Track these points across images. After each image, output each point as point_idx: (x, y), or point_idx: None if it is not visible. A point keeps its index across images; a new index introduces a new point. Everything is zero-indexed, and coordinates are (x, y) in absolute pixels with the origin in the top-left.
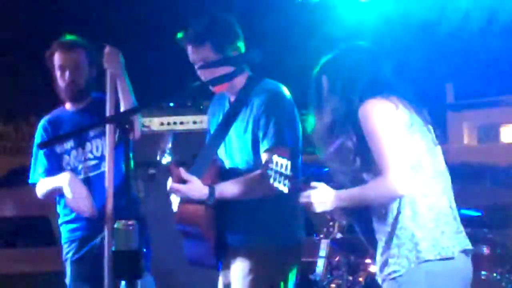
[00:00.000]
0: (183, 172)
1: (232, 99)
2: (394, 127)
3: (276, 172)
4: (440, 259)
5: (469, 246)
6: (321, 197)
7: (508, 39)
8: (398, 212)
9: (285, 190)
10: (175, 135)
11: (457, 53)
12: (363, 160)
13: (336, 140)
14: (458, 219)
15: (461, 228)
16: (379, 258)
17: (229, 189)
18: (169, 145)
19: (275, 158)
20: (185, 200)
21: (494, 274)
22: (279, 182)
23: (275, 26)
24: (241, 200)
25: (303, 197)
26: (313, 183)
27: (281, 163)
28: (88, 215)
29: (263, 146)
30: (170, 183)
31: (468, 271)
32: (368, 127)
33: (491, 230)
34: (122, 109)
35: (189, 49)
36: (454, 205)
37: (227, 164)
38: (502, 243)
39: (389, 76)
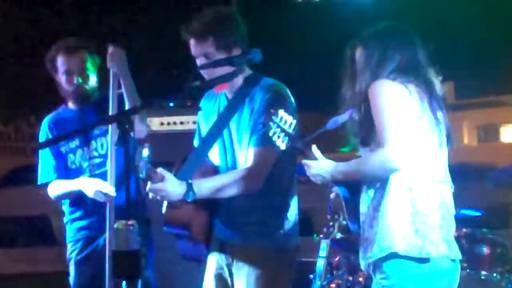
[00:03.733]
0: (160, 170)
1: (231, 97)
2: (401, 108)
3: (278, 126)
4: (409, 257)
5: (453, 253)
6: (320, 169)
7: (509, 39)
8: (381, 199)
9: (283, 146)
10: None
11: (457, 52)
12: (365, 136)
13: (347, 110)
14: (454, 224)
15: (449, 236)
16: (362, 241)
17: (208, 184)
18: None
19: (281, 112)
20: (173, 203)
21: (494, 274)
22: (278, 137)
23: (275, 25)
24: (235, 199)
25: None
26: (312, 152)
27: (286, 119)
28: (113, 194)
29: (251, 143)
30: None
31: (456, 276)
32: (376, 103)
33: (491, 230)
34: (127, 107)
35: (191, 42)
36: (450, 210)
37: (228, 165)
38: (502, 243)
39: (423, 62)
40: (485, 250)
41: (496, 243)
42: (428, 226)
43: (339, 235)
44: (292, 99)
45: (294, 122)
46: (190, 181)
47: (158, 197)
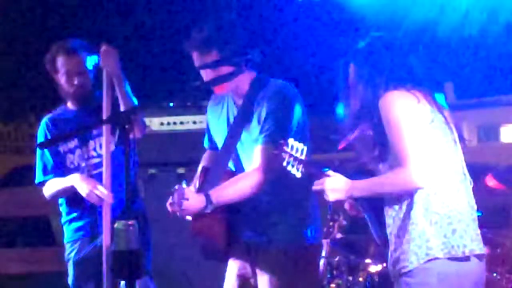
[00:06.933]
0: (178, 186)
1: (239, 102)
2: (414, 120)
3: (290, 155)
4: (450, 258)
5: (482, 250)
6: (336, 185)
7: (509, 38)
8: (410, 208)
9: (298, 174)
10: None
11: (457, 52)
12: (382, 150)
13: (357, 128)
14: (476, 221)
15: (478, 231)
16: (391, 254)
17: (225, 192)
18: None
19: (291, 141)
20: (196, 216)
21: (494, 274)
22: (293, 166)
23: (276, 25)
24: (256, 200)
25: (317, 184)
26: (328, 171)
27: (297, 147)
28: (108, 199)
29: (257, 141)
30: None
31: (481, 275)
32: (389, 118)
33: (491, 230)
34: (121, 107)
35: (195, 54)
36: (473, 206)
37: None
38: (502, 243)
39: (416, 69)
40: (485, 250)
41: (496, 243)
42: (464, 224)
43: (339, 235)
44: (299, 100)
45: (305, 148)
46: (208, 193)
47: (178, 213)
